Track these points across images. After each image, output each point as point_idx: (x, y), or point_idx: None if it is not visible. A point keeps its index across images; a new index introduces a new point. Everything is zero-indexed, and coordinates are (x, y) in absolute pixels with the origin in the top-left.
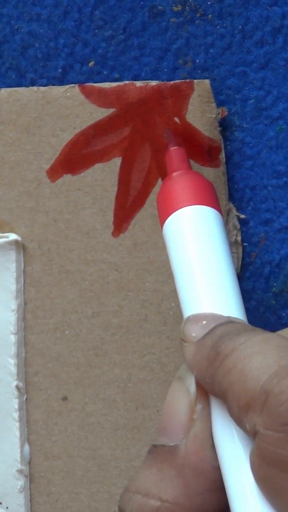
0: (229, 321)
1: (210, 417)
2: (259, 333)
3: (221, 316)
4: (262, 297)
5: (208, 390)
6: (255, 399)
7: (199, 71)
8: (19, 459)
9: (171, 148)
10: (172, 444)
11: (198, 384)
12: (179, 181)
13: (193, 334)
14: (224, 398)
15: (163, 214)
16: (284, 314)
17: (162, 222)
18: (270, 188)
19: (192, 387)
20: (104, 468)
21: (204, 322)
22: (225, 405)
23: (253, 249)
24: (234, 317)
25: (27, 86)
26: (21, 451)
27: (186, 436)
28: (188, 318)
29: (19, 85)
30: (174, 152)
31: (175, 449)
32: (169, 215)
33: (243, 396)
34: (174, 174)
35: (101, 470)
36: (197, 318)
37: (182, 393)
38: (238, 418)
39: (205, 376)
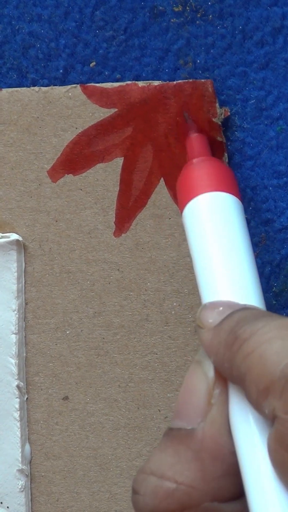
0: (246, 307)
1: (227, 402)
2: (277, 318)
3: (237, 304)
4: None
5: (225, 375)
6: (274, 383)
7: (200, 72)
8: (20, 459)
9: (192, 135)
10: (189, 428)
11: (216, 369)
12: (199, 167)
13: (210, 320)
14: (242, 383)
15: (183, 199)
16: (284, 314)
17: (181, 207)
18: (270, 188)
19: (211, 372)
20: (105, 467)
21: (221, 308)
22: (243, 391)
23: (254, 249)
24: (250, 305)
25: (28, 86)
26: (22, 451)
27: (203, 420)
28: (205, 305)
29: (20, 85)
30: (195, 139)
31: (192, 432)
32: (189, 201)
33: (262, 380)
34: (195, 160)
35: (102, 470)
36: (213, 305)
37: (200, 377)
38: (257, 402)
39: (223, 360)
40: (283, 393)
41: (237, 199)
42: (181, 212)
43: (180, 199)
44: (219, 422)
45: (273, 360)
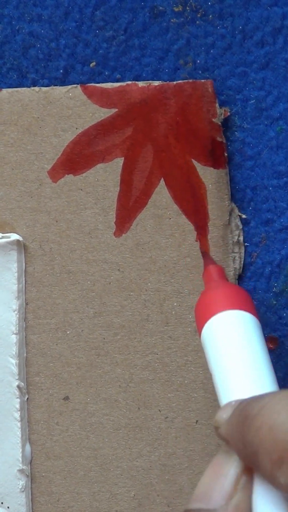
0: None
1: (251, 491)
2: (282, 391)
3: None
4: (263, 297)
5: (241, 457)
6: (287, 452)
7: (200, 72)
8: (20, 459)
9: (210, 266)
10: (210, 508)
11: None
12: (216, 291)
13: (224, 416)
14: (255, 458)
15: (200, 322)
16: (284, 314)
17: (199, 330)
18: (270, 188)
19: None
20: (106, 468)
21: (233, 403)
22: (257, 468)
23: (254, 249)
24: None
25: (28, 86)
26: (23, 451)
27: (228, 503)
28: (220, 408)
29: (20, 85)
30: (213, 269)
31: None
32: (206, 321)
33: (275, 450)
34: (212, 284)
35: (102, 470)
36: (226, 404)
37: (230, 462)
38: (271, 474)
39: (237, 443)
40: None
41: (253, 316)
42: (200, 334)
43: (198, 323)
44: (242, 508)
45: (283, 429)
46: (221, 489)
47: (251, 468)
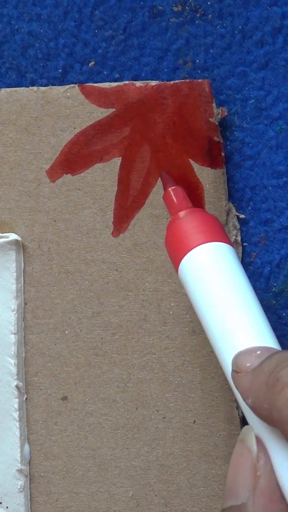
0: (283, 350)
1: (273, 469)
2: None
3: (273, 348)
4: (262, 297)
5: (264, 418)
6: None
7: (199, 71)
8: (19, 459)
9: (170, 188)
10: (239, 503)
11: (258, 441)
12: (186, 221)
13: (248, 364)
14: (282, 425)
15: (177, 255)
16: (284, 314)
17: (176, 263)
18: (270, 188)
19: (253, 445)
20: (104, 467)
21: (259, 352)
22: (282, 434)
23: (253, 249)
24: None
25: (27, 86)
26: (21, 451)
27: (252, 493)
28: (240, 351)
29: (19, 85)
30: (174, 192)
31: (243, 507)
32: (183, 255)
33: None
34: (180, 214)
35: (101, 470)
36: (250, 350)
37: (245, 454)
38: None
39: (262, 402)
40: None
41: (229, 245)
42: (176, 268)
43: (173, 256)
44: (268, 492)
45: None
46: (244, 481)
47: (266, 449)
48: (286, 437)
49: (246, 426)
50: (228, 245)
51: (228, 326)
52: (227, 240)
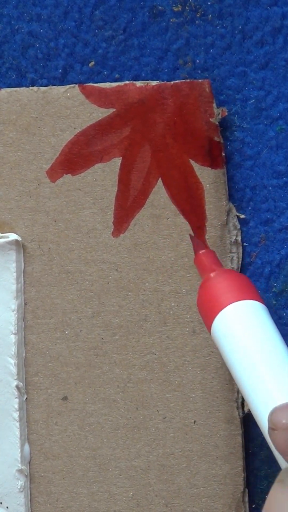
0: None
1: None
2: None
3: None
4: (262, 297)
5: None
6: None
7: (199, 71)
8: (19, 459)
9: (201, 252)
10: None
11: None
12: (217, 281)
13: (284, 421)
14: None
15: (209, 315)
16: (284, 314)
17: (209, 323)
18: (270, 188)
19: None
20: (104, 468)
21: None
22: None
23: (253, 249)
24: None
25: (27, 86)
26: (21, 451)
27: None
28: (275, 407)
29: (19, 85)
30: (205, 255)
31: None
32: (216, 314)
33: None
34: (211, 274)
35: (101, 470)
36: (285, 406)
37: (285, 494)
38: None
39: None
40: None
41: (260, 303)
42: (209, 327)
43: (205, 315)
44: None
45: None
46: None
47: None
48: None
49: (287, 467)
50: (259, 303)
51: (261, 382)
52: (258, 298)
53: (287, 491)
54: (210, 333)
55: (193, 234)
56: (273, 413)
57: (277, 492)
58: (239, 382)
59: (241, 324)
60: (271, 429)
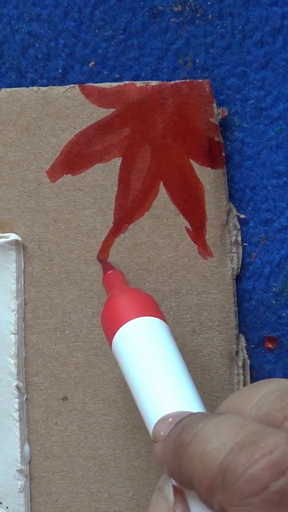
0: (191, 413)
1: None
2: (216, 416)
3: (185, 412)
4: (262, 297)
5: (179, 483)
6: (215, 479)
7: (199, 71)
8: (19, 459)
9: (109, 272)
10: None
11: (176, 490)
12: (120, 298)
13: (161, 433)
14: (191, 486)
15: (110, 331)
16: (284, 314)
17: (110, 339)
18: (270, 188)
19: (170, 495)
20: (104, 468)
21: (170, 419)
22: (195, 494)
23: (253, 249)
24: (197, 412)
25: (27, 86)
26: (21, 451)
27: None
28: (158, 420)
29: (19, 85)
30: (113, 275)
31: None
32: (116, 331)
33: (205, 479)
34: (116, 292)
35: (101, 470)
36: (164, 418)
37: (162, 502)
38: (206, 500)
39: (173, 468)
40: (224, 486)
41: (161, 319)
42: (110, 343)
43: (107, 332)
44: None
45: (211, 457)
46: None
47: (183, 497)
48: (198, 496)
49: (165, 475)
50: (160, 320)
51: (152, 394)
52: (159, 315)
53: (163, 499)
54: (111, 349)
55: (100, 257)
56: (155, 425)
57: (157, 499)
58: (134, 396)
59: (139, 339)
60: (153, 441)
